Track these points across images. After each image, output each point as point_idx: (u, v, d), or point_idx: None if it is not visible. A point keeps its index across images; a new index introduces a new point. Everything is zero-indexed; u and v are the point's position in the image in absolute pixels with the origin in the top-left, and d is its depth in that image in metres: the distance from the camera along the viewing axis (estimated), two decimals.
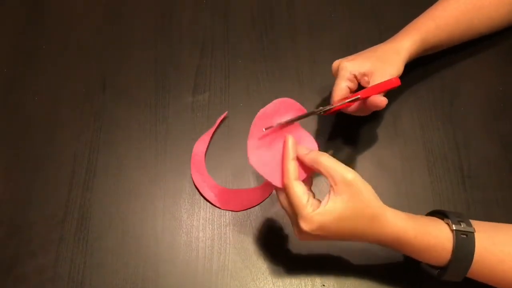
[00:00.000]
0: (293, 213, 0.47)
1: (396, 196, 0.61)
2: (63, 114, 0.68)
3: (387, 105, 0.66)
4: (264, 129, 0.49)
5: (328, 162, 0.46)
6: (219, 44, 0.72)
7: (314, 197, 0.48)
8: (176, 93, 0.69)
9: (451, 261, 0.47)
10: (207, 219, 0.60)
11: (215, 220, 0.60)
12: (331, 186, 0.46)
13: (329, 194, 0.46)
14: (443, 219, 0.49)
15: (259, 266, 0.57)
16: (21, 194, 0.62)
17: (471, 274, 0.48)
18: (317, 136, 0.64)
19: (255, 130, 0.50)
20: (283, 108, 0.51)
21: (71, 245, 0.59)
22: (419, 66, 0.68)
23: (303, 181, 0.49)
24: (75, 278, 0.57)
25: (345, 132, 0.65)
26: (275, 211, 0.60)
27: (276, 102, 0.51)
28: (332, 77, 0.61)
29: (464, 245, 0.47)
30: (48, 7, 0.77)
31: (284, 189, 0.48)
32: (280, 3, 0.76)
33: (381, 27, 0.73)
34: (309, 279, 0.56)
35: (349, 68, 0.58)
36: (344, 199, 0.45)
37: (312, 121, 0.65)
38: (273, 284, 0.56)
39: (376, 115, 0.66)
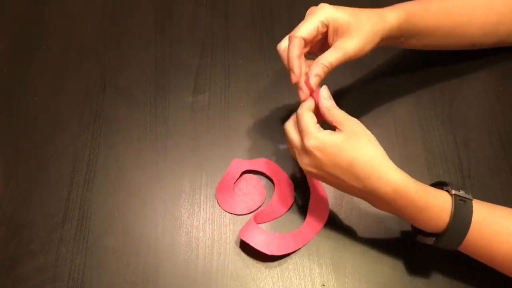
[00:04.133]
0: (299, 138, 0.50)
1: None
2: (63, 114, 0.68)
3: (387, 105, 0.66)
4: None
5: (334, 113, 0.50)
6: (219, 44, 0.72)
7: None
8: (176, 93, 0.69)
9: (449, 225, 0.47)
10: (207, 219, 0.60)
11: (215, 220, 0.60)
12: (336, 127, 0.49)
13: (332, 129, 0.49)
14: (442, 188, 0.50)
15: (259, 266, 0.57)
16: (21, 194, 0.62)
17: (466, 246, 0.48)
18: None
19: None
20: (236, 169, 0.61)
21: (71, 245, 0.59)
22: (419, 67, 0.68)
23: None
24: (75, 278, 0.57)
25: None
26: None
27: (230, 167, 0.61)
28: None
29: (462, 210, 0.47)
30: (48, 7, 0.77)
31: (297, 118, 0.51)
32: (280, 3, 0.76)
33: None
34: (309, 279, 0.56)
35: (328, 13, 0.52)
36: (346, 135, 0.48)
37: None
38: (273, 284, 0.56)
39: (376, 115, 0.66)
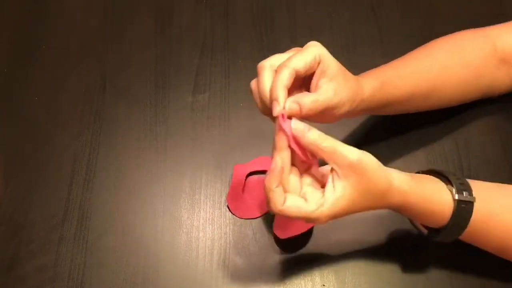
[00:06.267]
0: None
1: None
2: (63, 114, 0.68)
3: None
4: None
5: (329, 146, 0.42)
6: (219, 44, 0.72)
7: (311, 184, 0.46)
8: (176, 93, 0.69)
9: (446, 226, 0.48)
10: (207, 219, 0.60)
11: (215, 220, 0.60)
12: (333, 170, 0.43)
13: (333, 179, 0.43)
14: (446, 184, 0.49)
15: (259, 266, 0.57)
16: (21, 194, 0.62)
17: (462, 237, 0.49)
18: None
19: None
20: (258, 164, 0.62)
21: (71, 245, 0.59)
22: None
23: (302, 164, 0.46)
24: (75, 278, 0.57)
25: (345, 133, 0.65)
26: None
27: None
28: None
29: (462, 214, 0.47)
30: (48, 7, 0.77)
31: (281, 214, 0.44)
32: (280, 3, 0.76)
33: (381, 27, 0.73)
34: (309, 279, 0.56)
35: (321, 51, 0.46)
36: (351, 183, 0.42)
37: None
38: (273, 284, 0.56)
39: (376, 115, 0.66)
